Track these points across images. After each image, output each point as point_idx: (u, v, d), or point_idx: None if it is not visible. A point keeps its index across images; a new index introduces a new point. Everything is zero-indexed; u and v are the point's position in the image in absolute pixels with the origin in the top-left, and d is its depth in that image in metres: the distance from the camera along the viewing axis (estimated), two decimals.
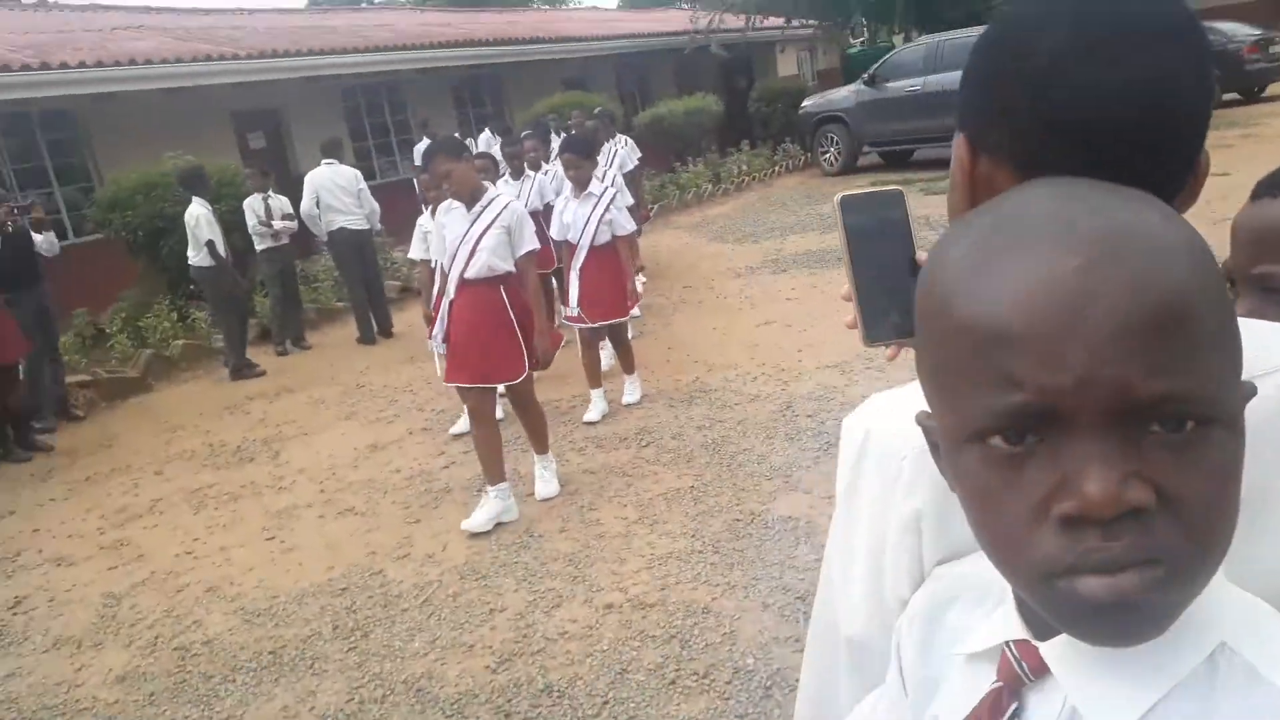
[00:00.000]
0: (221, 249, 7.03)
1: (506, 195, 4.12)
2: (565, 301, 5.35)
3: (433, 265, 4.55)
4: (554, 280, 6.55)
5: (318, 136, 8.84)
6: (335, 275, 8.65)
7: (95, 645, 3.59)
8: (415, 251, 5.37)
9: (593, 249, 5.11)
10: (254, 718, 2.99)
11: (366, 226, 7.71)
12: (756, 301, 7.36)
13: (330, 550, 4.13)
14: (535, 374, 4.17)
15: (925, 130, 12.46)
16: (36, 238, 6.39)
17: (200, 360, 7.74)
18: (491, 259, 3.92)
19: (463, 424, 5.10)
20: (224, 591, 3.87)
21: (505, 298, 4.00)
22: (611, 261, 5.17)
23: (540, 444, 4.32)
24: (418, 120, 12.95)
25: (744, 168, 14.45)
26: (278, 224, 7.40)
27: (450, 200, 4.05)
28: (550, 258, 6.01)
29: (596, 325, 5.15)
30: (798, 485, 4.09)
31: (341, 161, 7.76)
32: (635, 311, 5.73)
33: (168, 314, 7.99)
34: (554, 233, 5.38)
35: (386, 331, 7.97)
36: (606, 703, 2.81)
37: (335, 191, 7.48)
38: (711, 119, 15.59)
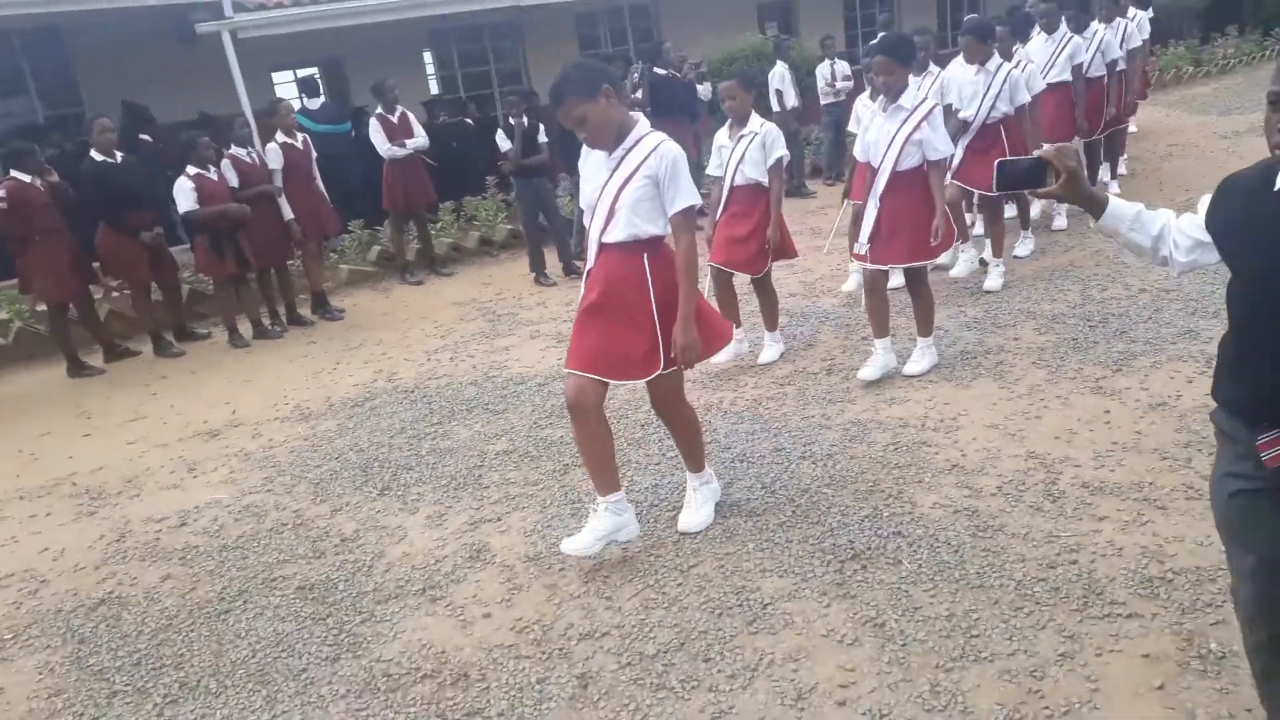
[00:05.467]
0: (791, 99, 9.61)
1: (655, 135, 2.95)
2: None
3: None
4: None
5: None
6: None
7: None
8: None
9: (895, 174, 4.20)
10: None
11: None
12: (1246, 157, 8.23)
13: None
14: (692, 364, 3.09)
15: None
16: (698, 88, 9.51)
17: None
18: (633, 219, 2.95)
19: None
20: None
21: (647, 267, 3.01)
22: (917, 191, 4.22)
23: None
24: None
25: (1229, 51, 14.42)
26: (839, 84, 9.94)
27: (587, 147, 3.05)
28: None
29: (884, 267, 4.34)
30: None
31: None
32: (947, 257, 5.50)
33: None
34: (857, 153, 4.62)
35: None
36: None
37: None
38: (1197, 2, 15.51)
